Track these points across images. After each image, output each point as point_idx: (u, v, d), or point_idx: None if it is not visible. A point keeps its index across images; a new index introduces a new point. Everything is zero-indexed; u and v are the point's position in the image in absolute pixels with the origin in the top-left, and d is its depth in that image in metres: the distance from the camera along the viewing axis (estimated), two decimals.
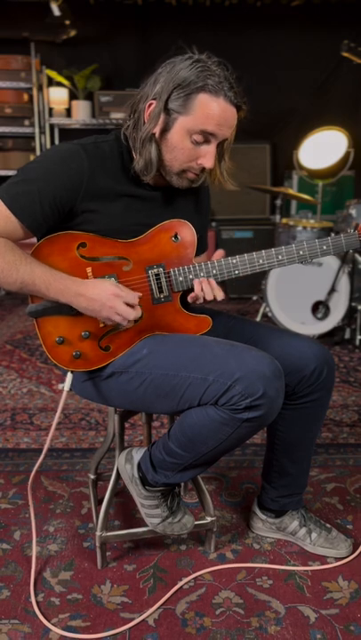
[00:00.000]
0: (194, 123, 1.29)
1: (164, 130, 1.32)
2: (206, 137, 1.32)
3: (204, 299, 1.39)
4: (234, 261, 1.40)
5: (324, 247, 1.41)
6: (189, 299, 1.41)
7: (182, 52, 1.32)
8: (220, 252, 1.43)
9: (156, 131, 1.32)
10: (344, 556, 1.58)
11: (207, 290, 1.38)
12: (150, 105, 1.32)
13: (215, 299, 1.39)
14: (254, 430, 1.32)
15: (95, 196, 1.34)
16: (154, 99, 1.31)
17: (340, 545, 1.59)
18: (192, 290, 1.41)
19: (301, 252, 1.41)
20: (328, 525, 1.64)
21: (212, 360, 1.30)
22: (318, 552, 1.60)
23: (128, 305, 1.32)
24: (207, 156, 1.33)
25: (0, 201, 1.28)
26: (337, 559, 1.58)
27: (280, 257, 1.41)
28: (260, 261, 1.40)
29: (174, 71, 1.28)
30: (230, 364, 1.28)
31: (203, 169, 1.37)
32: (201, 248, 1.58)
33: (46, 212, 1.30)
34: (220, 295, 1.39)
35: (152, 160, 1.33)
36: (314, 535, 1.61)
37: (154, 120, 1.31)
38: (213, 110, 1.28)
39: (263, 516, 1.66)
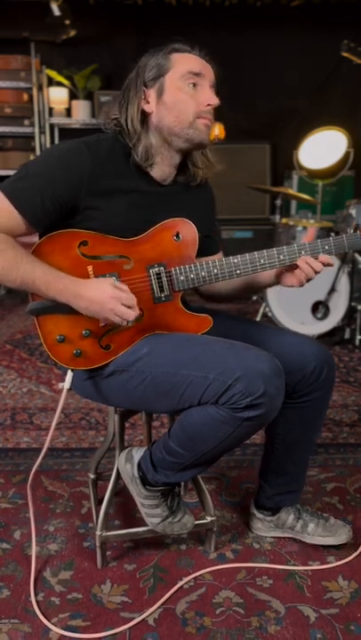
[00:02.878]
0: (181, 69, 1.37)
1: (160, 94, 1.37)
2: (196, 78, 1.37)
3: (314, 272, 1.41)
4: (235, 261, 1.40)
5: (326, 247, 1.41)
6: (297, 281, 1.43)
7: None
8: (311, 234, 1.48)
9: (151, 102, 1.38)
10: (344, 542, 1.58)
11: (315, 264, 1.40)
12: (145, 95, 1.38)
13: (324, 266, 1.40)
14: (255, 429, 1.32)
15: (98, 192, 1.34)
16: (144, 87, 1.38)
17: (338, 531, 1.59)
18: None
19: (303, 252, 1.41)
20: (325, 515, 1.64)
21: (213, 359, 1.30)
22: (318, 542, 1.59)
23: (127, 306, 1.32)
24: (207, 94, 1.39)
25: (3, 196, 1.29)
26: (337, 558, 1.57)
27: (281, 257, 1.41)
28: (262, 261, 1.40)
29: (140, 63, 1.40)
30: (230, 362, 1.28)
31: (211, 109, 1.40)
32: (211, 249, 1.57)
33: (47, 208, 1.31)
34: (327, 260, 1.40)
35: (152, 144, 1.38)
36: (311, 525, 1.61)
37: (138, 95, 1.38)
38: (190, 57, 1.39)
39: (260, 515, 1.66)
